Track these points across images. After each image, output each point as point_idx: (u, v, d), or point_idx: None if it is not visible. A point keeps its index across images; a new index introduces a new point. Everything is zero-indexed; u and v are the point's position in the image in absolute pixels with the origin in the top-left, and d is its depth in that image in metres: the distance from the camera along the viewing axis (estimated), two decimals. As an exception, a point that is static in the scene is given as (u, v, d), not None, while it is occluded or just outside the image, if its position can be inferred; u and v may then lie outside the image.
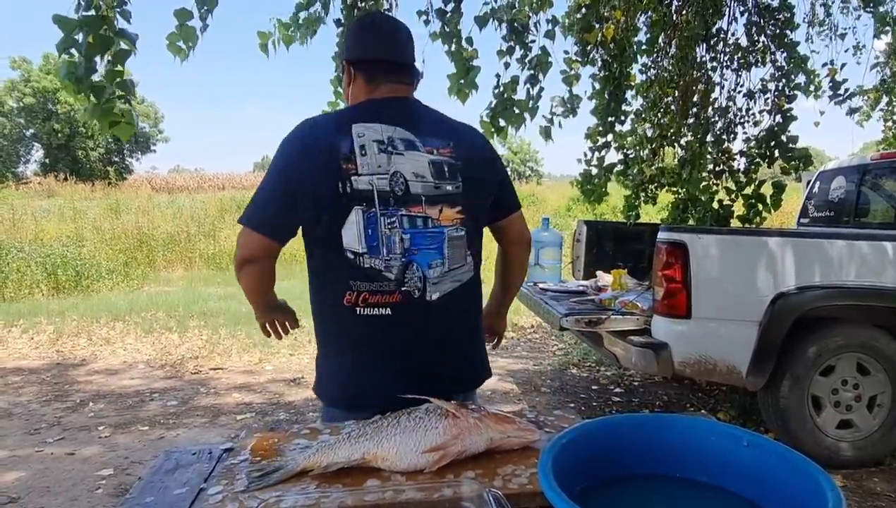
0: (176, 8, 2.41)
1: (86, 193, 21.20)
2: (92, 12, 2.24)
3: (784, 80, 4.22)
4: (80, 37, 2.24)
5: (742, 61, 4.41)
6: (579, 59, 3.68)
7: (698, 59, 4.41)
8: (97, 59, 2.30)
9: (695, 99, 4.37)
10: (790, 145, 4.25)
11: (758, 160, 4.29)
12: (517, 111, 3.21)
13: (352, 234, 1.23)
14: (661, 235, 3.10)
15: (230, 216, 14.44)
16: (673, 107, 4.34)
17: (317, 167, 1.21)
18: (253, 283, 1.36)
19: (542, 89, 3.33)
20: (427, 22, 3.59)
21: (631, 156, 4.45)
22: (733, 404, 3.96)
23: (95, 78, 2.33)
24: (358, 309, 1.25)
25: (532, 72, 3.30)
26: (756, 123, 4.55)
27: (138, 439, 3.30)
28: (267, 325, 1.51)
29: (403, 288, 1.25)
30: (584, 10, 3.57)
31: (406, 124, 1.27)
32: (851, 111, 5.00)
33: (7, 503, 2.55)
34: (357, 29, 1.38)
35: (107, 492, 2.65)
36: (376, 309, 1.25)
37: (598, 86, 4.01)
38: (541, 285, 4.12)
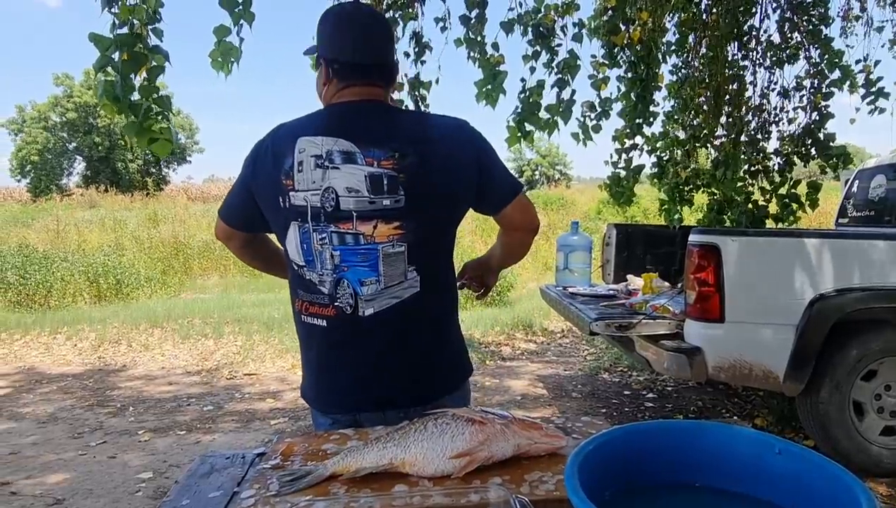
0: (216, 23, 2.48)
1: (125, 204, 21.89)
2: (126, 30, 2.32)
3: (819, 77, 4.11)
4: (115, 55, 2.32)
5: (775, 59, 4.31)
6: (606, 62, 3.66)
7: (730, 58, 4.33)
8: (133, 76, 2.37)
9: (727, 98, 4.29)
10: (827, 143, 4.14)
11: (793, 159, 4.18)
12: (547, 116, 3.20)
13: (292, 248, 1.28)
14: (693, 238, 3.05)
15: (263, 224, 14.69)
16: (705, 107, 4.26)
17: (265, 179, 1.28)
18: (241, 259, 1.53)
19: (573, 92, 3.32)
20: (444, 29, 3.60)
21: (665, 158, 4.39)
22: (771, 410, 3.86)
23: (133, 96, 2.41)
24: (303, 316, 1.31)
25: (560, 75, 3.29)
26: (791, 121, 4.44)
27: (176, 443, 3.38)
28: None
29: (336, 303, 1.26)
30: (609, 12, 3.54)
31: (352, 135, 1.24)
32: (877, 110, 4.82)
33: (53, 504, 2.64)
34: (332, 23, 1.32)
35: (146, 495, 2.72)
36: (315, 319, 1.29)
37: (624, 88, 3.97)
38: (570, 289, 4.09)
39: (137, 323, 6.69)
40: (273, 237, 1.41)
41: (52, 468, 3.04)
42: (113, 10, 2.35)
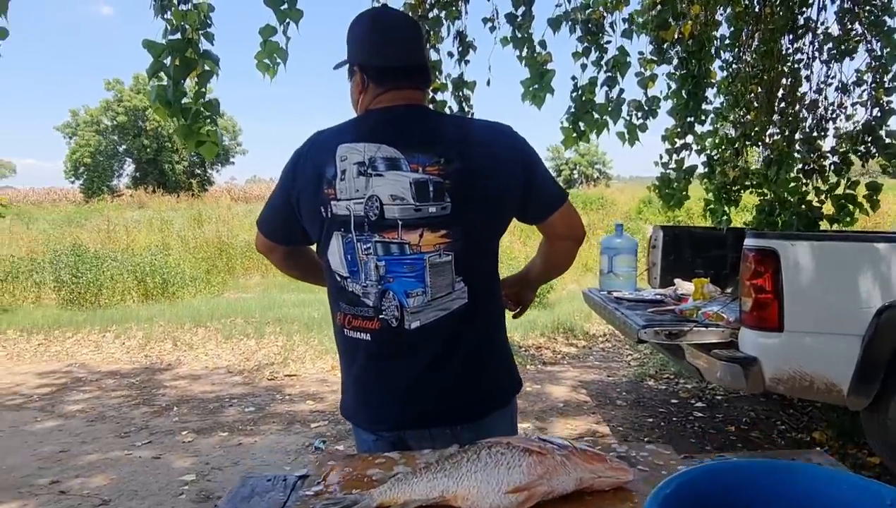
0: (260, 26, 2.47)
1: (172, 204, 22.55)
2: (178, 36, 2.33)
3: (882, 71, 3.87)
4: (167, 60, 2.34)
5: (834, 52, 4.08)
6: (655, 59, 3.52)
7: (784, 52, 4.12)
8: (183, 80, 2.38)
9: (780, 94, 4.08)
10: (889, 141, 3.90)
11: (851, 158, 3.95)
12: (597, 116, 3.09)
13: (335, 259, 1.24)
14: (749, 242, 2.90)
15: (303, 224, 14.88)
16: (756, 103, 4.06)
17: (305, 189, 1.24)
18: (282, 270, 1.49)
19: (622, 91, 3.21)
20: (493, 29, 3.53)
21: (714, 157, 4.21)
22: (830, 423, 3.66)
23: (184, 100, 2.42)
24: (345, 330, 1.27)
25: (610, 73, 3.18)
26: (849, 118, 4.21)
27: (219, 444, 3.41)
28: None
29: (381, 316, 1.22)
30: (659, 6, 3.40)
31: (395, 140, 1.20)
32: None
33: (100, 505, 2.68)
34: (364, 28, 1.28)
35: (189, 498, 2.74)
36: (359, 332, 1.24)
37: (674, 85, 3.82)
38: (615, 294, 3.96)
39: (182, 322, 6.83)
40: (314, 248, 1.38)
41: (99, 467, 3.09)
42: (166, 15, 2.38)
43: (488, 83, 3.49)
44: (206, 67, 2.36)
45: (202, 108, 2.32)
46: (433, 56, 3.27)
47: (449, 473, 0.86)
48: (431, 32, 3.28)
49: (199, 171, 34.21)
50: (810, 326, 2.81)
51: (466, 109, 3.36)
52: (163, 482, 2.89)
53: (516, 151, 1.26)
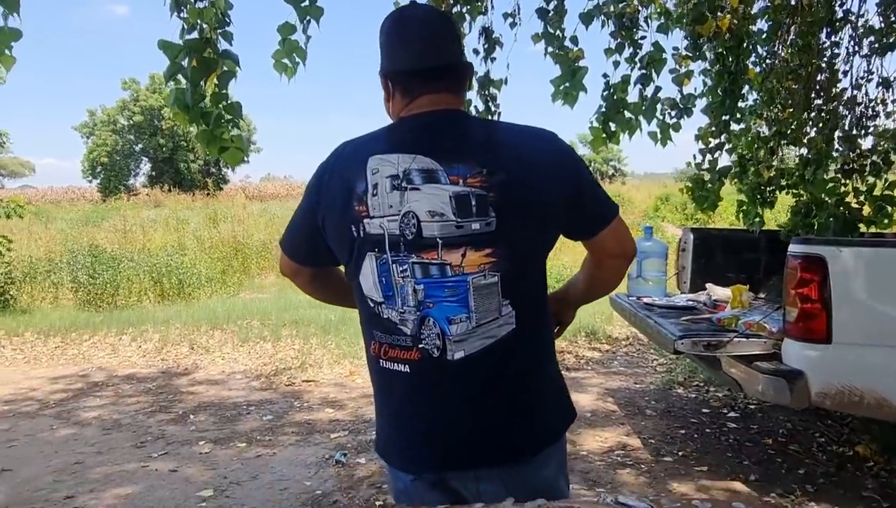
0: (277, 23, 2.35)
1: (187, 203, 22.65)
2: (195, 35, 2.22)
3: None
4: (185, 61, 2.23)
5: (875, 46, 3.88)
6: (690, 55, 3.35)
7: (821, 46, 3.93)
8: (203, 83, 2.27)
9: (818, 90, 3.90)
10: (935, 138, 3.71)
11: (890, 157, 3.76)
12: (629, 115, 2.93)
13: (368, 283, 1.13)
14: (795, 248, 2.73)
15: (318, 223, 14.82)
16: (792, 100, 3.88)
17: (334, 207, 1.13)
18: (309, 294, 1.38)
19: (658, 89, 3.04)
20: (514, 25, 3.38)
21: (747, 157, 4.03)
22: (874, 437, 3.48)
23: (204, 104, 2.31)
24: (381, 362, 1.14)
25: (644, 71, 3.02)
26: (889, 115, 4.01)
27: (236, 456, 3.31)
28: None
29: (421, 345, 1.09)
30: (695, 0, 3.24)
31: (431, 149, 1.09)
32: None
33: (115, 522, 2.60)
34: (387, 32, 1.17)
35: (207, 515, 2.64)
36: (396, 364, 1.12)
37: (710, 82, 3.64)
38: (645, 300, 3.81)
39: (199, 324, 6.77)
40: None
41: (115, 481, 3.01)
42: (181, 14, 2.26)
43: (506, 82, 3.35)
44: (226, 68, 2.25)
45: (224, 112, 2.21)
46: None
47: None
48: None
49: (214, 170, 34.33)
50: (861, 338, 2.65)
51: (493, 109, 3.22)
52: (179, 498, 2.80)
53: (564, 161, 1.14)
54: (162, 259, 10.13)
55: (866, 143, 3.87)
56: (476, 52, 3.20)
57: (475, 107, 3.21)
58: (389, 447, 1.19)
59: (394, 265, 1.09)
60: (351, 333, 6.16)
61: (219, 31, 2.23)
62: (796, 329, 2.72)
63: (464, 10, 3.06)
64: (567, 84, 2.89)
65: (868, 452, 3.33)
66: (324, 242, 1.17)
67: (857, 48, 3.93)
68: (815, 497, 2.83)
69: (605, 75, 3.14)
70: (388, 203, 1.08)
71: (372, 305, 1.13)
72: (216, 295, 9.62)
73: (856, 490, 2.90)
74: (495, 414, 1.13)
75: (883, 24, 3.97)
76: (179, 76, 2.19)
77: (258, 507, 2.68)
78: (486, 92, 3.19)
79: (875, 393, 2.64)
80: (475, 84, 3.19)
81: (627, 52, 3.11)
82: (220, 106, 2.21)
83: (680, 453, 3.32)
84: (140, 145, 34.07)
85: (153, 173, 34.25)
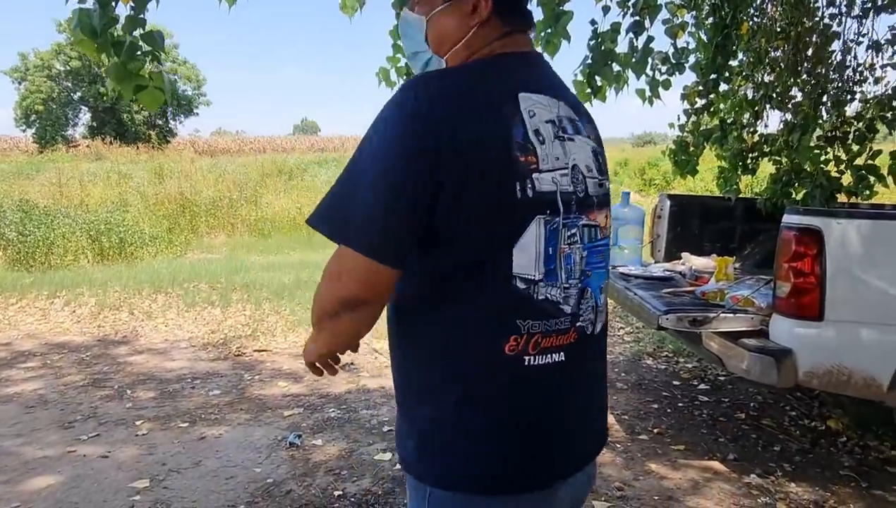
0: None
1: (131, 156, 21.39)
2: (104, -57, 1.80)
3: (923, 27, 3.51)
4: (93, -22, 1.81)
5: (867, 6, 3.69)
6: (685, 4, 3.08)
7: (813, 6, 3.72)
8: (114, 4, 1.86)
9: (808, 53, 3.70)
10: (922, 108, 3.57)
11: (876, 125, 3.62)
12: (617, 68, 2.65)
13: (529, 255, 0.85)
14: (790, 218, 2.56)
15: (272, 181, 14.25)
16: (781, 63, 3.67)
17: (481, 161, 0.81)
18: (356, 330, 0.93)
19: (650, 39, 2.76)
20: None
21: (728, 121, 3.82)
22: (845, 411, 3.43)
23: (116, 30, 1.90)
24: (528, 359, 0.88)
25: (636, 17, 2.72)
26: (878, 81, 3.86)
27: (177, 438, 2.99)
28: (318, 363, 1.02)
29: (578, 324, 0.93)
30: (690, -57, 2.95)
31: (562, 97, 0.94)
32: None
33: (31, 521, 2.26)
34: None
35: (141, 509, 2.33)
36: (549, 355, 0.89)
37: (704, 36, 3.38)
38: (621, 269, 3.62)
39: (140, 287, 6.29)
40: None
41: (36, 469, 2.65)
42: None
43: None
44: (145, -13, 1.84)
45: (140, 41, 1.80)
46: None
47: None
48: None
49: (160, 122, 32.59)
50: (854, 315, 2.51)
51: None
52: (110, 489, 2.47)
53: None
54: (101, 215, 9.45)
55: (850, 110, 3.71)
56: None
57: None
58: (508, 466, 0.89)
59: (563, 231, 0.89)
60: (307, 298, 5.82)
61: (138, -58, 1.82)
62: (787, 305, 2.56)
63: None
64: (549, 30, 2.56)
65: (840, 426, 3.27)
66: (422, 225, 0.84)
67: (849, 8, 3.72)
68: (795, 476, 2.73)
69: (592, 22, 2.82)
70: (555, 154, 0.89)
71: (524, 287, 0.86)
72: (161, 255, 9.06)
73: (833, 468, 2.83)
74: (604, 398, 1.06)
75: (876, -17, 3.77)
76: (86, -6, 1.78)
77: (200, 500, 2.39)
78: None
79: (864, 373, 2.53)
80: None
81: (618, -4, 2.81)
82: (136, 34, 1.80)
83: (655, 430, 3.18)
84: (79, 93, 31.97)
85: (94, 124, 32.30)
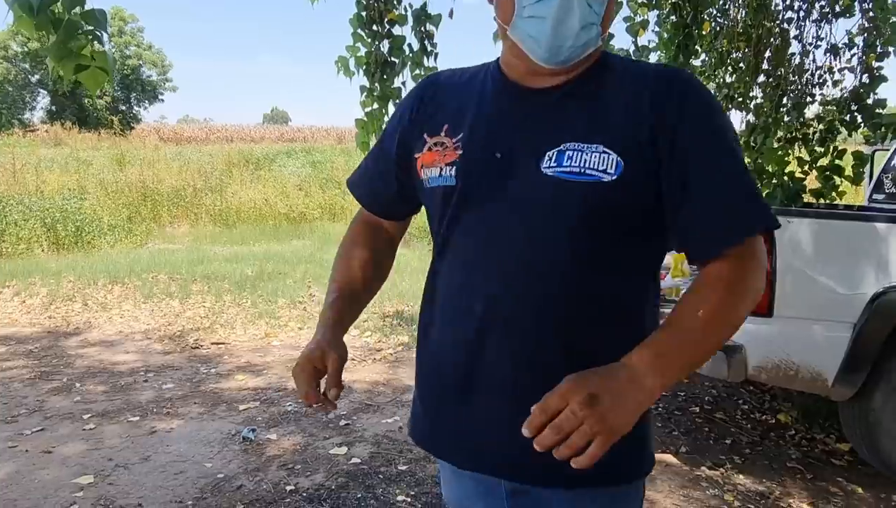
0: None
1: (92, 142, 20.72)
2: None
3: (876, 33, 3.60)
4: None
5: (826, 11, 3.78)
6: (646, 2, 3.10)
7: (775, 8, 3.79)
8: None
9: (768, 54, 3.77)
10: (877, 109, 3.68)
11: (837, 126, 3.72)
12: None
13: None
14: (742, 217, 2.60)
15: (238, 170, 13.96)
16: (742, 64, 3.73)
17: None
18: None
19: (611, 36, 2.76)
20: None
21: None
22: (794, 405, 3.52)
23: (56, 8, 1.82)
24: None
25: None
26: (836, 84, 3.95)
27: (126, 432, 2.91)
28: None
29: None
30: (653, -59, 2.97)
31: None
32: None
33: (-35, 520, 2.17)
34: None
35: None
36: None
37: (666, 34, 3.42)
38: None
39: (96, 277, 6.12)
40: None
41: (-27, 465, 2.55)
42: None
43: (451, 15, 2.98)
44: (86, -40, 1.76)
45: (81, 20, 1.72)
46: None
47: None
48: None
49: (123, 108, 31.69)
50: (801, 312, 2.58)
51: (429, 48, 2.84)
52: (51, 486, 2.39)
53: None
54: (57, 203, 9.14)
55: (810, 112, 3.80)
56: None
57: (409, 45, 2.83)
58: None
59: None
60: (268, 290, 5.73)
61: None
62: (739, 301, 2.61)
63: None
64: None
65: (789, 420, 3.36)
66: None
67: (808, 12, 3.80)
68: (743, 469, 2.80)
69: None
70: None
71: None
72: (120, 244, 8.81)
73: (781, 460, 2.90)
74: None
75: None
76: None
77: (146, 496, 2.33)
78: (423, 28, 2.80)
79: (811, 367, 2.60)
80: (409, 18, 2.79)
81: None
82: (75, 12, 1.72)
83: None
84: (37, 76, 30.82)
85: (53, 108, 31.20)
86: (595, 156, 0.82)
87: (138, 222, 10.11)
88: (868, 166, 4.55)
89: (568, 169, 0.82)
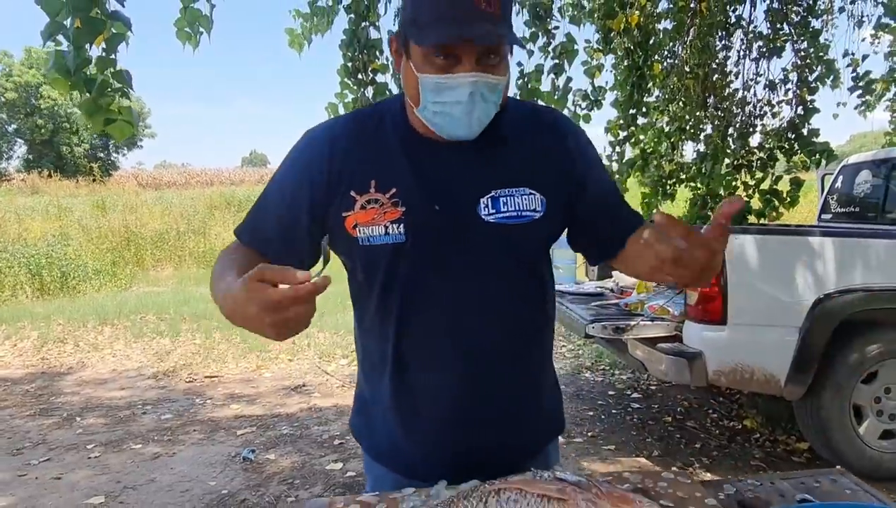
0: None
1: (71, 190, 20.73)
2: (80, -9, 1.98)
3: (807, 70, 4.02)
4: (67, 21, 1.98)
5: (763, 50, 4.20)
6: (601, 48, 3.46)
7: (716, 48, 4.20)
8: (88, 46, 2.03)
9: (713, 90, 4.16)
10: (811, 138, 4.07)
11: (776, 154, 4.10)
12: (542, 104, 2.99)
13: None
14: (694, 235, 2.90)
15: (220, 213, 14.12)
16: (691, 98, 4.12)
17: None
18: None
19: (569, 80, 3.11)
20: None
21: (649, 151, 4.24)
22: (759, 411, 3.78)
23: (89, 70, 2.07)
24: None
25: (556, 60, 3.07)
26: (775, 115, 4.36)
27: (131, 459, 3.05)
28: None
29: None
30: (606, -6, 3.35)
31: None
32: (866, 105, 4.82)
33: (-14, 539, 2.31)
34: None
35: (97, 524, 2.41)
36: None
37: (620, 76, 3.79)
38: (557, 287, 3.91)
39: (85, 320, 6.22)
40: None
41: (-14, 493, 2.68)
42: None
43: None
44: (115, 31, 2.02)
45: (111, 79, 1.98)
46: (373, 34, 3.06)
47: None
48: (370, 8, 3.05)
49: (101, 155, 31.76)
50: (752, 319, 2.84)
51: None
52: (65, 507, 2.53)
53: None
54: (41, 249, 9.21)
55: (754, 141, 4.18)
56: (391, 33, 3.13)
57: (389, 91, 3.14)
58: None
59: None
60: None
61: (108, -12, 2.01)
62: (696, 311, 2.89)
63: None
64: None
65: (755, 424, 3.61)
66: None
67: (747, 51, 4.22)
68: (711, 468, 3.02)
69: (519, 64, 3.18)
70: None
71: None
72: (105, 288, 8.89)
73: (745, 459, 3.13)
74: None
75: (770, 31, 4.30)
76: (60, 37, 1.95)
77: (157, 512, 2.48)
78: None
79: (764, 369, 2.86)
80: (390, 67, 3.12)
81: (541, 41, 3.16)
82: (107, 72, 1.99)
83: (589, 433, 3.44)
84: (14, 125, 30.89)
85: (30, 157, 31.19)
86: (525, 199, 0.95)
87: (122, 266, 10.19)
88: (819, 189, 4.96)
89: (506, 214, 0.94)
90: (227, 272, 0.87)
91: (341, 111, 3.11)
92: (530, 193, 0.95)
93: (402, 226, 0.92)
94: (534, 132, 1.00)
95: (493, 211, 0.93)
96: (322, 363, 4.78)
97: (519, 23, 3.11)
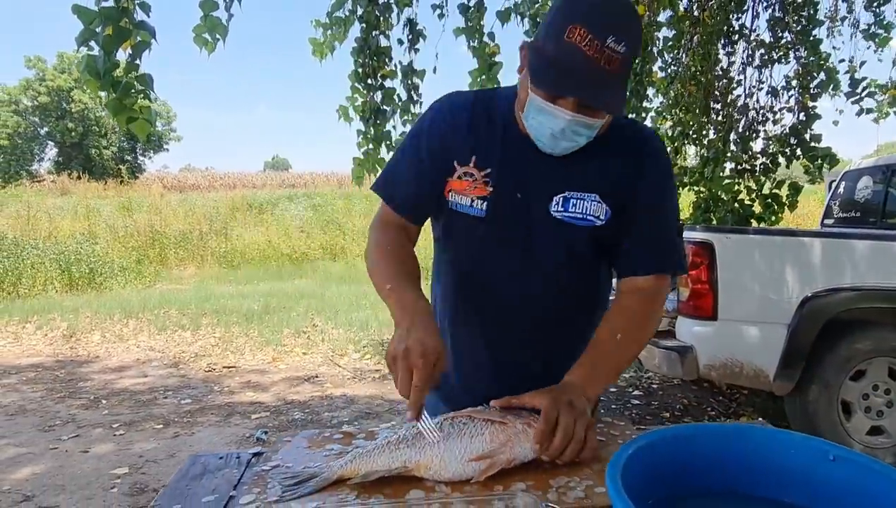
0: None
1: (98, 191, 21.35)
2: (111, 3, 2.21)
3: (808, 77, 4.12)
4: (99, 28, 2.21)
5: (765, 58, 4.31)
6: (601, 55, 3.59)
7: (720, 56, 4.32)
8: (116, 52, 2.26)
9: (716, 96, 4.28)
10: (813, 144, 4.16)
11: (778, 159, 4.20)
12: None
13: None
14: (687, 235, 3.03)
15: (242, 215, 14.48)
16: (694, 104, 4.24)
17: None
18: None
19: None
20: (441, 16, 3.54)
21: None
22: (756, 407, 3.87)
23: (117, 73, 2.30)
24: None
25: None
26: (777, 122, 4.45)
27: (153, 437, 3.26)
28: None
29: None
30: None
31: None
32: (864, 111, 4.86)
33: (22, 501, 2.52)
34: None
35: (122, 491, 2.61)
36: None
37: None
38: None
39: (111, 313, 6.50)
40: None
41: (21, 462, 2.90)
42: (98, -20, 2.23)
43: (434, 71, 3.50)
44: (140, 38, 2.24)
45: (134, 82, 2.20)
46: (383, 42, 3.25)
47: (411, 443, 0.85)
48: (381, 18, 3.24)
49: (128, 158, 32.57)
50: (742, 315, 2.96)
51: (415, 98, 3.34)
52: (92, 475, 2.74)
53: None
54: (70, 247, 9.59)
55: (757, 146, 4.28)
56: (400, 41, 3.32)
57: (398, 95, 3.33)
58: None
59: None
60: (274, 322, 6.11)
61: (136, 1, 2.23)
62: (687, 307, 3.01)
63: (391, 0, 3.17)
64: (483, 77, 3.06)
65: (750, 421, 3.70)
66: None
67: (750, 59, 4.33)
68: (702, 460, 3.13)
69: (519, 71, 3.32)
70: None
71: None
72: (130, 285, 9.22)
73: (737, 453, 3.23)
74: None
75: (772, 39, 4.41)
76: (92, 42, 2.18)
77: (176, 482, 2.68)
78: (410, 81, 3.32)
79: (753, 364, 2.97)
80: (399, 73, 3.31)
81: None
82: (131, 75, 2.21)
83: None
84: (46, 128, 31.81)
85: (60, 159, 32.08)
86: (593, 205, 1.05)
87: (147, 264, 10.54)
88: (826, 195, 5.03)
89: (572, 214, 1.05)
90: (403, 280, 1.03)
91: (351, 114, 3.32)
92: (599, 201, 1.05)
93: (486, 203, 1.05)
94: (619, 146, 1.06)
95: (562, 209, 1.05)
96: (335, 356, 4.98)
97: (520, 33, 3.29)
